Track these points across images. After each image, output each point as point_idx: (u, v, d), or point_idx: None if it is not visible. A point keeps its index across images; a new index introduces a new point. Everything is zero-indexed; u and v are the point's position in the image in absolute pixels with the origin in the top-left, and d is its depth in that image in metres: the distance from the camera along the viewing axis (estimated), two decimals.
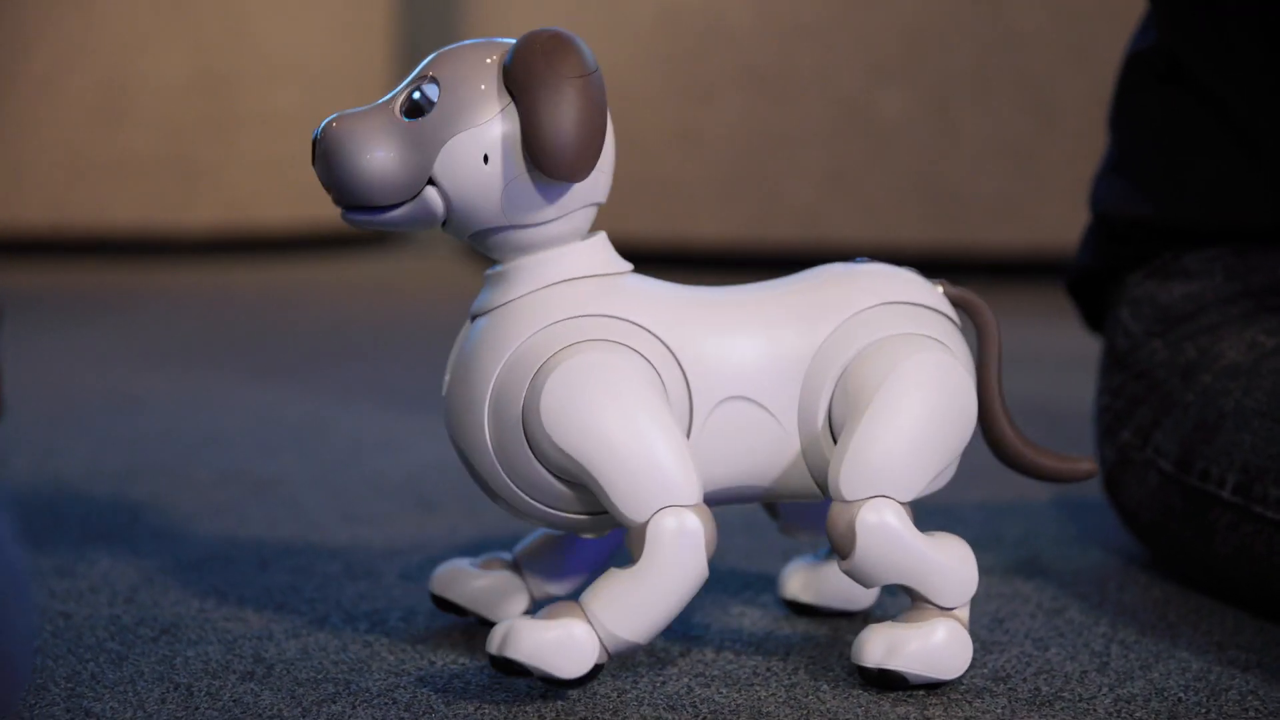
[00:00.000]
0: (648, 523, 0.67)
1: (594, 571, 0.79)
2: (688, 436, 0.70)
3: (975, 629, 0.79)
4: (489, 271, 0.72)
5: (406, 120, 0.69)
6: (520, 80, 0.68)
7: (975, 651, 0.76)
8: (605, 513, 0.70)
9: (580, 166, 0.68)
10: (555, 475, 0.69)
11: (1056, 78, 2.51)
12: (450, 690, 0.71)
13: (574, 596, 0.83)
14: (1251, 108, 0.88)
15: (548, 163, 0.67)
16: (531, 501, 0.70)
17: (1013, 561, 0.92)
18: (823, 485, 0.72)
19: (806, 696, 0.70)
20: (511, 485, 0.70)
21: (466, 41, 0.71)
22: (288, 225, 3.05)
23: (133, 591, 0.85)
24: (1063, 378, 1.59)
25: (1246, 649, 0.77)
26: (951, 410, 0.71)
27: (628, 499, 0.67)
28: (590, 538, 0.76)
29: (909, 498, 0.70)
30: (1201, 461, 0.84)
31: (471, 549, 0.94)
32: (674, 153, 2.62)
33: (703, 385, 0.70)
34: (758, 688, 0.71)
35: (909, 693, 0.71)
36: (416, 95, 0.69)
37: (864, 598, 0.81)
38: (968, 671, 0.73)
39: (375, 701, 0.69)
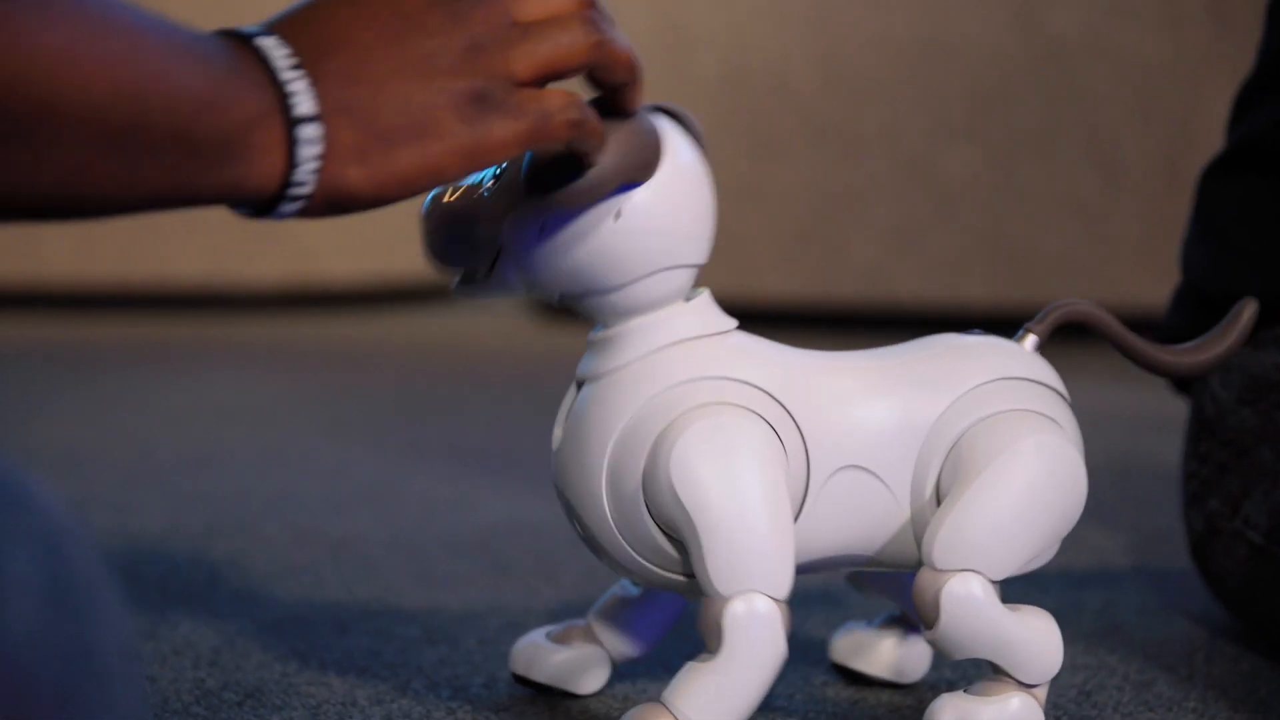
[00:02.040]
0: (725, 606, 0.66)
1: (665, 632, 0.79)
2: (802, 503, 0.69)
3: (1062, 701, 0.78)
4: (593, 336, 0.71)
5: (486, 189, 0.68)
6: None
7: None
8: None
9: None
10: (666, 534, 0.69)
11: (1122, 135, 2.50)
12: None
13: (654, 659, 0.83)
14: None
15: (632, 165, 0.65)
16: (639, 559, 0.70)
17: (1096, 631, 0.91)
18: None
19: None
20: (623, 543, 0.70)
21: None
22: (353, 279, 3.08)
23: (215, 654, 0.85)
24: (1137, 437, 1.58)
25: None
26: (1058, 495, 0.70)
27: (721, 569, 0.67)
28: (688, 597, 0.75)
29: (1000, 576, 0.69)
30: None
31: (548, 614, 0.94)
32: (739, 209, 2.62)
33: (822, 453, 0.69)
34: None
35: None
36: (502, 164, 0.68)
37: (915, 670, 0.81)
38: None
39: None
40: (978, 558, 0.68)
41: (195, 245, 2.98)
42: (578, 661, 0.78)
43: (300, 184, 0.54)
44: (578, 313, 0.71)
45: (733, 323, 0.71)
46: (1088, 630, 0.91)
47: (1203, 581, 0.93)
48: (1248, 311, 0.75)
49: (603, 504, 0.69)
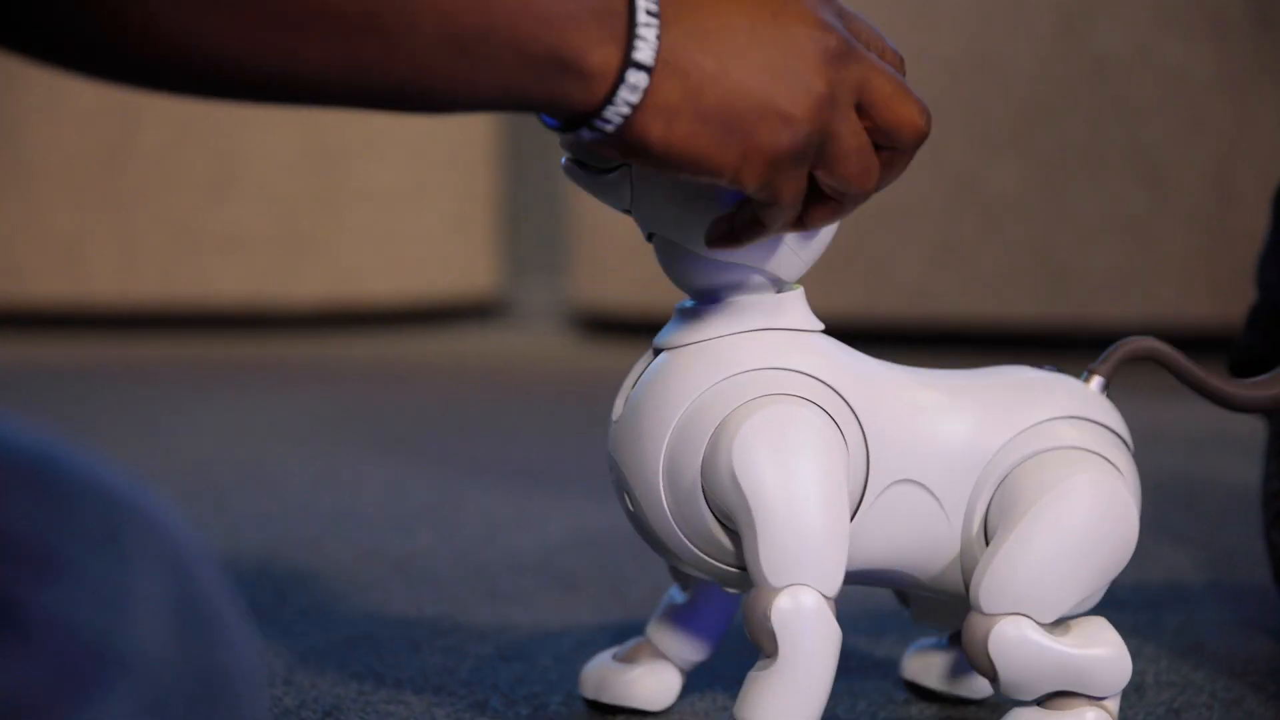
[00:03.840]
0: (771, 604, 0.65)
1: (723, 633, 0.78)
2: (857, 508, 0.69)
3: (1151, 719, 0.77)
4: (680, 305, 0.70)
5: None
6: None
7: None
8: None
9: None
10: (720, 521, 0.68)
11: (1169, 150, 2.48)
12: None
13: (732, 677, 0.82)
14: None
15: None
16: (686, 542, 0.69)
17: (1177, 649, 0.90)
18: (967, 585, 0.71)
19: None
20: (673, 523, 0.69)
21: None
22: (394, 298, 3.08)
23: (289, 672, 0.84)
24: (1201, 454, 1.56)
25: None
26: (1107, 536, 0.68)
27: (773, 559, 0.65)
28: (734, 591, 0.74)
29: (1049, 619, 0.68)
30: None
31: (619, 632, 0.93)
32: None
33: (883, 461, 0.69)
34: None
35: None
36: None
37: (981, 688, 0.80)
38: None
39: None
40: (1026, 601, 0.67)
41: (237, 265, 2.99)
42: (648, 678, 0.77)
43: (606, 121, 0.57)
44: (670, 270, 0.69)
45: (819, 325, 0.70)
46: (1169, 648, 0.90)
47: None
48: None
49: (658, 481, 0.68)
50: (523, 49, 0.53)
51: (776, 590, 0.65)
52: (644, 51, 0.55)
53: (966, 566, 0.70)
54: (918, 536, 0.70)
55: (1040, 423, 0.70)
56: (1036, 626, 0.67)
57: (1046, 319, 2.52)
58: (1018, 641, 0.67)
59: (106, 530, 0.40)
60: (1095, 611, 0.97)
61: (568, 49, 0.54)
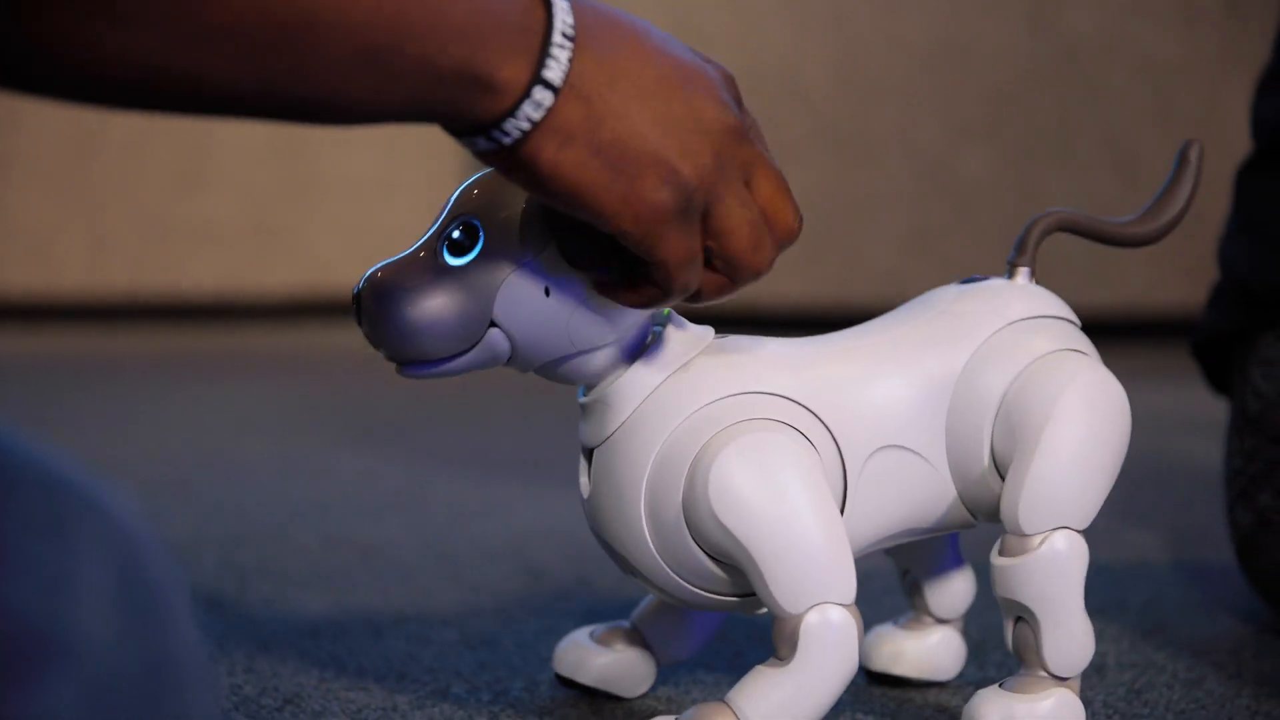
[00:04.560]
0: (800, 618, 0.65)
1: (712, 634, 0.78)
2: (843, 496, 0.69)
3: (1112, 700, 0.77)
4: (584, 400, 0.69)
5: (453, 262, 0.65)
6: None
7: None
8: (755, 595, 0.69)
9: None
10: (714, 559, 0.68)
11: (1139, 135, 2.49)
12: None
13: (697, 662, 0.82)
14: None
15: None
16: (688, 586, 0.69)
17: (1140, 629, 0.90)
18: (976, 513, 0.71)
19: None
20: (671, 575, 0.69)
21: (486, 173, 0.66)
22: None
23: (250, 661, 0.84)
24: (1167, 437, 1.57)
25: None
26: (1115, 427, 0.70)
27: (786, 590, 0.66)
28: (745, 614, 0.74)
29: (1087, 523, 0.69)
30: None
31: (585, 616, 0.93)
32: None
33: (851, 443, 0.69)
34: None
35: None
36: (458, 234, 0.65)
37: (950, 668, 0.80)
38: None
39: None
40: (1064, 514, 0.68)
41: (207, 256, 2.98)
42: (623, 664, 0.77)
43: (505, 134, 0.56)
44: (553, 379, 0.68)
45: (710, 331, 0.70)
46: (1132, 628, 0.90)
47: (1247, 579, 0.92)
48: (1193, 152, 0.74)
49: (647, 545, 0.68)
50: (434, 63, 0.52)
51: (800, 616, 0.66)
52: (554, 71, 0.55)
53: (974, 495, 0.71)
54: (909, 493, 0.70)
55: (990, 336, 0.70)
56: (1077, 544, 0.68)
57: None
58: (1060, 555, 0.68)
59: (49, 515, 0.40)
60: None
61: (479, 64, 0.53)
